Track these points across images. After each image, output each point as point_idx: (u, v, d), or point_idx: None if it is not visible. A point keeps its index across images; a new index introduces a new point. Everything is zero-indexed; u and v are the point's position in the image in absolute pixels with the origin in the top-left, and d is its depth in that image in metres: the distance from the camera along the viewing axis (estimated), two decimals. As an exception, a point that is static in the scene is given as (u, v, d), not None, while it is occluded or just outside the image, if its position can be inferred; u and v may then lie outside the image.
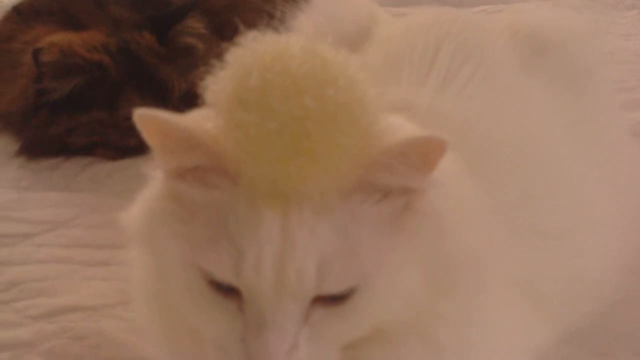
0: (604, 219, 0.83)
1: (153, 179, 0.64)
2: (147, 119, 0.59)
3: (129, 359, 0.79)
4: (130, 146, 1.17)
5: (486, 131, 0.78)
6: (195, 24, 1.24)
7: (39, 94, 1.15)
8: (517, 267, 0.73)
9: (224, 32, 1.31)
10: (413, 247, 0.60)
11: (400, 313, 0.61)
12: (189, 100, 1.19)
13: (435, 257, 0.61)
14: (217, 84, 0.59)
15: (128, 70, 1.16)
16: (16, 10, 1.33)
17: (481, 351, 0.66)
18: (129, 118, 1.17)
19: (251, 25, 1.34)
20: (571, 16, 1.04)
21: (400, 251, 0.59)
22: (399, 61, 0.82)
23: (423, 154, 0.58)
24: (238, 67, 0.58)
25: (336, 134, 0.56)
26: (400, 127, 0.61)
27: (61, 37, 1.17)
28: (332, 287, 0.57)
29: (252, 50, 0.58)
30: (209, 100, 0.60)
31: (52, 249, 0.99)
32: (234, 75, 0.58)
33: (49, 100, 1.15)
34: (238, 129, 0.56)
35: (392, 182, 0.58)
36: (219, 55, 1.36)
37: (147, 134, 0.60)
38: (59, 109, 1.16)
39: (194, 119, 0.60)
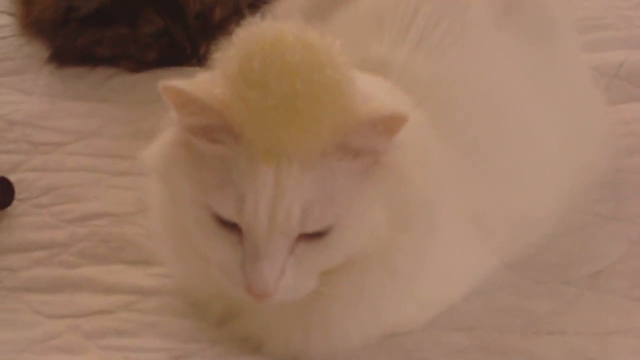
0: (556, 160, 0.96)
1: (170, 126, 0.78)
2: (168, 88, 0.73)
3: (146, 261, 0.93)
4: (150, 60, 1.30)
5: (452, 84, 0.90)
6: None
7: (68, 10, 1.28)
8: (471, 204, 0.87)
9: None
10: (378, 192, 0.75)
11: (366, 246, 0.76)
12: (202, 20, 1.32)
13: (395, 200, 0.76)
14: (226, 60, 0.73)
15: (148, -10, 1.28)
16: None
17: (430, 275, 0.82)
18: (148, 35, 1.30)
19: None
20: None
21: (367, 196, 0.74)
22: (383, 17, 0.93)
23: (387, 125, 0.72)
24: (242, 48, 0.72)
25: (319, 110, 0.70)
26: (373, 98, 0.75)
27: (89, -44, 1.29)
28: (313, 226, 0.72)
29: (254, 35, 0.72)
30: (218, 71, 0.74)
31: (81, 157, 1.12)
32: (239, 55, 0.72)
33: (78, 15, 1.27)
34: (241, 101, 0.71)
35: (363, 145, 0.73)
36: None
37: (168, 99, 0.74)
38: (86, 23, 1.28)
39: (205, 85, 0.74)
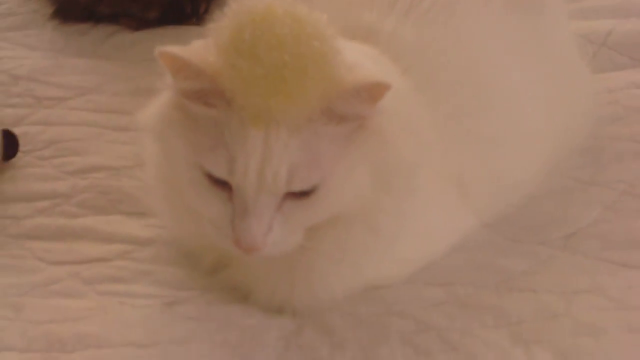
0: (539, 127, 0.99)
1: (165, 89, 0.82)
2: (164, 54, 0.77)
3: (143, 213, 0.97)
4: (151, 18, 1.34)
5: (439, 53, 0.94)
6: None
7: (73, -32, 1.32)
8: (454, 166, 0.91)
9: None
10: (361, 155, 0.79)
11: (350, 205, 0.81)
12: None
13: (378, 163, 0.80)
14: (218, 31, 0.77)
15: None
16: None
17: (411, 234, 0.87)
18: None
19: None
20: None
21: (351, 159, 0.79)
22: None
23: (370, 93, 0.77)
24: (234, 20, 0.76)
25: (306, 79, 0.74)
26: (359, 67, 0.79)
27: None
28: (298, 186, 0.77)
29: (246, 8, 0.76)
30: (212, 40, 0.77)
31: (82, 112, 1.16)
32: (231, 26, 0.76)
33: (82, -26, 1.32)
34: (233, 69, 0.75)
35: (347, 111, 0.77)
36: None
37: (164, 64, 0.78)
38: (89, -19, 1.33)
39: (199, 52, 0.78)
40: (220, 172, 0.77)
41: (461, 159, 0.92)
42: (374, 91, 0.77)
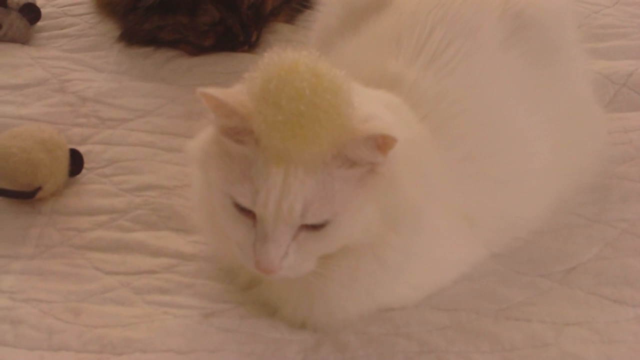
0: (546, 169, 1.08)
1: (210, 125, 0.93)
2: (206, 95, 0.88)
3: (189, 230, 1.08)
4: (206, 46, 1.46)
5: (455, 101, 1.03)
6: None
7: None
8: (464, 204, 1.01)
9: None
10: (371, 197, 0.89)
11: (360, 238, 0.90)
12: (254, 10, 1.47)
13: (386, 205, 0.90)
14: (251, 80, 0.87)
15: (206, -16, 1.44)
16: None
17: (419, 265, 0.96)
18: (205, 24, 1.46)
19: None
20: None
21: (361, 199, 0.88)
22: (402, 36, 1.06)
23: (379, 143, 0.86)
24: (264, 72, 0.87)
25: (319, 127, 0.85)
26: (372, 118, 0.88)
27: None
28: (311, 219, 0.87)
29: (274, 62, 0.87)
30: (246, 86, 0.88)
31: (141, 134, 1.26)
32: (261, 77, 0.87)
33: (145, 4, 1.44)
34: (259, 113, 0.85)
35: (358, 157, 0.87)
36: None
37: (206, 104, 0.89)
38: (152, 10, 1.44)
39: (235, 95, 0.88)
40: (246, 202, 0.87)
41: (471, 197, 1.01)
42: (382, 142, 0.86)
